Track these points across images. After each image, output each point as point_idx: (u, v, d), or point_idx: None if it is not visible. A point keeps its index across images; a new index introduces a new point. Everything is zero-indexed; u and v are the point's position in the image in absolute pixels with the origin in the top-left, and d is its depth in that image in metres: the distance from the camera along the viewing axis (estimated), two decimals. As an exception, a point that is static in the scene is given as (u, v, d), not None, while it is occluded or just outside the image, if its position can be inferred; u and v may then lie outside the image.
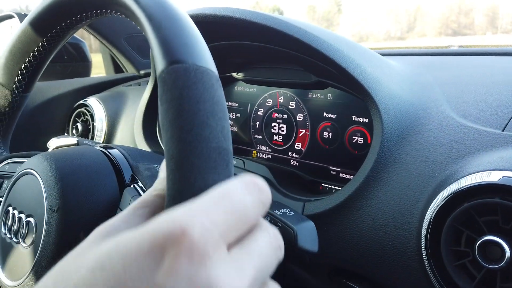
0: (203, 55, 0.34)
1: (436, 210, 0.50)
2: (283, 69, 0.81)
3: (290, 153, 0.84)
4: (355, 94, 0.67)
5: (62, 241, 0.48)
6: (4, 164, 0.64)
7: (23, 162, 0.59)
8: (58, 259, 0.47)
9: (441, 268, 0.49)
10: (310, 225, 0.55)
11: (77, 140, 0.73)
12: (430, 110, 0.63)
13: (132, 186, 0.54)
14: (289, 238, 0.52)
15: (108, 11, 0.48)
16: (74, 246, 0.48)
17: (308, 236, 0.54)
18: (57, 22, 0.53)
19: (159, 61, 0.33)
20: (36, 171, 0.53)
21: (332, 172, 0.78)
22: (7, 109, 0.61)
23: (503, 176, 0.46)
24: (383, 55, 0.93)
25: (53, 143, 0.75)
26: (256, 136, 0.89)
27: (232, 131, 0.94)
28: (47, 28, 0.53)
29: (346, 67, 0.61)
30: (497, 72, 0.72)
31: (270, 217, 0.54)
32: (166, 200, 0.31)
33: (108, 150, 0.58)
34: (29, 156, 0.61)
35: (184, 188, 0.30)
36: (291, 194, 0.70)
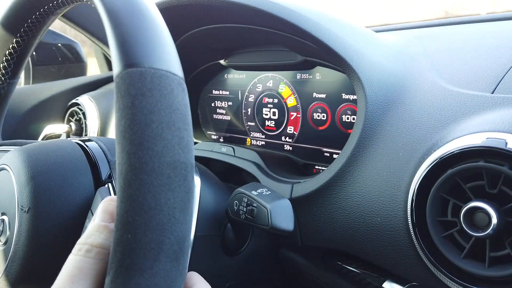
0: (163, 56, 0.31)
1: (420, 179, 0.47)
2: (270, 51, 0.79)
3: (283, 138, 0.82)
4: (341, 70, 0.64)
5: (33, 243, 0.46)
6: None
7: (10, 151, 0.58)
8: (30, 261, 0.46)
9: (428, 241, 0.46)
10: (284, 203, 0.53)
11: (68, 127, 0.73)
12: (417, 79, 0.60)
13: (106, 185, 0.52)
14: (264, 217, 0.50)
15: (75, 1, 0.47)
16: (45, 248, 0.47)
17: (282, 214, 0.52)
18: (27, 17, 0.52)
19: (114, 64, 0.31)
20: (10, 168, 0.52)
21: (325, 153, 0.75)
22: None
23: (487, 138, 0.43)
24: (379, 31, 0.90)
25: (47, 129, 0.75)
26: (249, 123, 0.87)
27: (225, 120, 0.92)
28: (19, 24, 0.53)
29: (324, 40, 0.59)
30: (489, 38, 0.68)
31: (247, 198, 0.53)
32: (115, 219, 0.29)
33: (86, 143, 0.56)
34: (16, 144, 0.60)
35: (130, 208, 0.28)
36: (281, 178, 0.68)
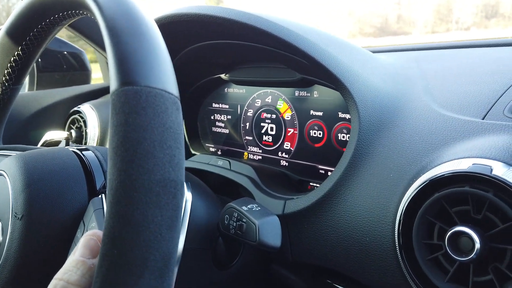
0: (160, 75, 0.32)
1: (407, 202, 0.48)
2: (269, 68, 0.80)
3: (279, 153, 0.82)
4: (336, 88, 0.65)
5: (24, 250, 0.47)
6: None
7: (10, 156, 0.59)
8: (20, 268, 0.47)
9: (414, 263, 0.47)
10: (273, 219, 0.54)
11: (67, 134, 0.74)
12: (411, 102, 0.61)
13: (100, 196, 0.52)
14: (252, 233, 0.51)
15: (77, 12, 0.48)
16: (35, 256, 0.47)
17: (270, 230, 0.52)
18: (33, 26, 0.54)
19: (111, 80, 0.31)
20: (7, 174, 0.52)
21: (320, 171, 0.76)
22: None
23: (473, 164, 0.44)
24: (376, 52, 0.91)
25: (48, 135, 0.76)
26: (246, 137, 0.88)
27: (224, 133, 0.93)
28: (25, 33, 0.54)
29: (319, 59, 0.60)
30: (484, 63, 0.69)
31: (237, 213, 0.53)
32: (103, 234, 0.30)
33: (82, 152, 0.57)
34: (17, 149, 0.61)
35: (118, 224, 0.29)
36: (274, 193, 0.68)
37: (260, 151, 0.86)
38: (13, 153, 0.60)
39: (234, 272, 0.63)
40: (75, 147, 0.59)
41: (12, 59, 0.57)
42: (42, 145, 0.91)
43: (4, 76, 0.59)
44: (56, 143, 0.89)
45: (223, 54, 0.81)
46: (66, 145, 0.94)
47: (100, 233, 0.38)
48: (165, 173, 0.30)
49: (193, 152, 0.97)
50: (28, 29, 0.54)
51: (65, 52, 1.29)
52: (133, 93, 0.30)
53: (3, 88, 0.61)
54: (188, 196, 0.56)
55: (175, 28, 0.73)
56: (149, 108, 0.30)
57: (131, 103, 0.30)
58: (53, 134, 0.78)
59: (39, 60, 1.27)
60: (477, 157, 0.45)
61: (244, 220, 0.52)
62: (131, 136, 0.29)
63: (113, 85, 0.31)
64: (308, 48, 0.61)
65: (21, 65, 0.59)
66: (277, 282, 0.69)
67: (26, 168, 0.51)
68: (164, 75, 0.32)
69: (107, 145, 1.05)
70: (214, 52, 0.81)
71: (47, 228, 0.48)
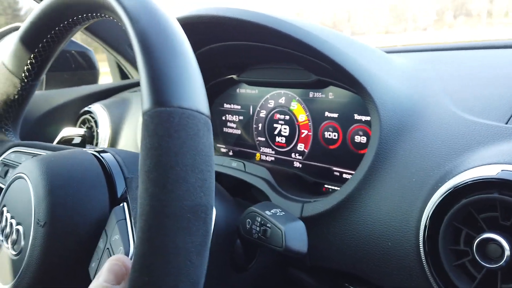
0: (192, 95, 0.31)
1: (433, 208, 0.48)
2: (284, 69, 0.80)
3: (293, 155, 0.82)
4: (354, 91, 0.65)
5: (47, 257, 0.46)
6: (11, 152, 0.64)
7: (28, 153, 0.58)
8: (42, 276, 0.47)
9: (439, 269, 0.47)
10: (299, 225, 0.53)
11: (84, 131, 0.74)
12: (431, 104, 0.60)
13: (122, 204, 0.50)
14: (277, 238, 0.51)
15: (101, 14, 0.48)
16: (57, 265, 0.47)
17: (297, 236, 0.52)
18: (55, 24, 0.54)
19: (144, 99, 0.31)
20: (28, 178, 0.52)
21: (335, 173, 0.76)
22: (16, 96, 0.62)
23: (502, 170, 0.43)
24: (389, 52, 0.90)
25: (64, 132, 0.76)
26: (259, 138, 0.88)
27: (235, 134, 0.93)
28: (47, 30, 0.54)
29: (340, 62, 0.59)
30: (502, 65, 0.69)
31: (261, 218, 0.53)
32: (131, 260, 0.30)
33: (101, 154, 0.56)
34: (35, 146, 0.60)
35: (148, 251, 0.28)
36: (291, 196, 0.68)
37: (273, 152, 0.85)
38: (32, 151, 0.60)
39: (252, 275, 0.63)
40: (93, 150, 0.58)
41: (32, 56, 0.57)
42: (59, 142, 0.91)
43: (24, 72, 0.59)
44: (73, 139, 0.89)
45: (237, 55, 0.81)
46: (82, 143, 0.93)
47: (125, 258, 0.38)
48: (196, 198, 0.30)
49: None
50: (50, 28, 0.55)
51: (73, 51, 1.28)
52: (167, 115, 0.30)
53: (22, 84, 0.61)
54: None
55: (190, 30, 0.72)
56: (182, 131, 0.30)
57: (165, 126, 0.29)
58: (70, 131, 0.78)
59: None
60: (505, 163, 0.44)
61: (268, 225, 0.52)
62: (164, 160, 0.29)
63: (146, 105, 0.30)
64: (329, 51, 0.60)
65: (40, 61, 0.59)
66: (295, 286, 0.69)
67: (48, 173, 0.50)
68: (196, 94, 0.32)
69: (120, 144, 1.04)
70: (228, 53, 0.80)
71: (69, 237, 0.47)
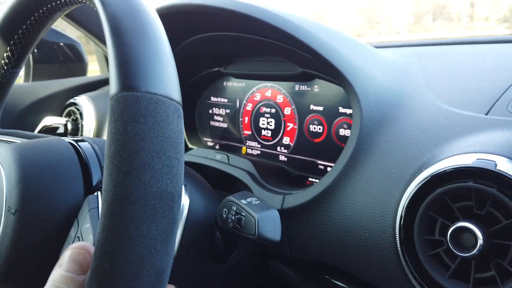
0: (162, 80, 0.31)
1: (409, 197, 0.47)
2: (270, 61, 0.80)
3: (278, 148, 0.82)
4: (338, 82, 0.65)
5: (17, 246, 0.45)
6: None
7: (5, 141, 0.57)
8: (13, 263, 0.46)
9: (414, 259, 0.46)
10: (273, 213, 0.53)
11: (66, 121, 0.73)
12: (413, 97, 0.60)
13: (96, 193, 0.50)
14: (251, 226, 0.50)
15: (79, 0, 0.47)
16: (28, 252, 0.46)
17: (270, 224, 0.51)
18: (34, 10, 0.53)
19: (112, 83, 0.30)
20: (1, 165, 0.51)
21: (320, 166, 0.75)
22: None
23: (477, 159, 0.43)
24: (377, 47, 0.90)
25: (46, 120, 0.75)
26: (245, 131, 0.87)
27: (222, 127, 0.92)
28: (27, 16, 0.54)
29: (321, 52, 0.59)
30: (486, 59, 0.69)
31: (236, 207, 0.52)
32: (94, 248, 0.29)
33: (79, 143, 0.55)
34: (13, 135, 0.59)
35: (111, 237, 0.28)
36: (273, 188, 0.68)
37: (259, 145, 0.85)
38: (9, 139, 0.59)
39: (232, 267, 0.63)
40: (71, 138, 0.58)
41: (12, 42, 0.57)
42: (40, 131, 0.90)
43: (3, 59, 0.58)
44: (55, 129, 0.88)
45: (223, 46, 0.81)
46: (64, 132, 0.92)
47: (89, 246, 0.36)
48: (163, 185, 0.29)
49: (190, 146, 0.96)
50: (29, 14, 0.54)
51: (62, 44, 1.27)
52: (133, 99, 0.29)
53: (2, 71, 0.60)
54: (185, 200, 0.54)
55: (175, 20, 0.72)
56: (149, 116, 0.29)
57: (131, 110, 0.28)
58: (51, 120, 0.77)
59: (35, 51, 1.26)
60: (481, 152, 0.44)
61: (243, 213, 0.51)
62: (129, 146, 0.28)
63: (113, 89, 0.30)
64: (310, 41, 0.60)
65: (21, 48, 0.58)
66: (275, 278, 0.69)
67: (21, 160, 0.49)
68: (167, 80, 0.31)
69: (105, 136, 1.04)
70: (213, 44, 0.80)
71: (41, 224, 0.46)
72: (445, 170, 0.44)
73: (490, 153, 0.44)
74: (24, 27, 0.56)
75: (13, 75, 0.62)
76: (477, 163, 0.43)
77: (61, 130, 0.87)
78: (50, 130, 0.89)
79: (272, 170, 0.77)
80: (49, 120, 0.74)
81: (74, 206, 0.49)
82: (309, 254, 0.60)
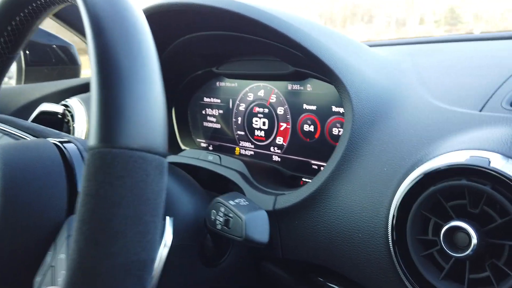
0: (147, 131, 0.27)
1: (402, 196, 0.46)
2: (262, 61, 0.78)
3: (272, 149, 0.80)
4: (330, 81, 0.64)
5: None
6: None
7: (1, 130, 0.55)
8: None
9: (407, 260, 0.45)
10: (261, 214, 0.52)
11: (63, 109, 0.71)
12: (406, 94, 0.59)
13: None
14: (239, 228, 0.49)
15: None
16: (4, 267, 0.44)
17: (257, 225, 0.50)
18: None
19: (91, 132, 0.27)
20: None
21: (313, 166, 0.74)
22: None
23: (471, 156, 0.42)
24: (372, 46, 0.89)
25: (42, 107, 0.73)
26: (238, 132, 0.86)
27: (215, 128, 0.91)
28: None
29: (312, 50, 0.58)
30: (480, 56, 0.68)
31: (225, 208, 0.51)
32: None
33: (64, 144, 0.53)
34: (7, 123, 0.57)
35: None
36: (265, 189, 0.66)
37: (252, 146, 0.84)
38: (3, 127, 0.57)
39: (223, 269, 0.61)
40: (57, 140, 0.55)
41: (9, 28, 0.55)
42: (36, 117, 0.87)
43: (0, 44, 0.57)
44: (53, 113, 0.84)
45: (215, 46, 0.79)
46: (60, 122, 0.88)
47: None
48: (134, 255, 0.26)
49: (183, 147, 0.95)
50: (12, 15, 0.52)
51: (54, 46, 1.26)
52: (111, 158, 0.26)
53: None
54: (167, 236, 0.49)
55: (165, 19, 0.71)
56: (127, 177, 0.26)
57: (106, 171, 0.26)
58: (48, 106, 0.74)
59: (27, 53, 1.24)
60: (475, 149, 0.43)
61: (231, 215, 0.50)
62: (100, 212, 0.25)
63: (91, 140, 0.26)
64: (301, 38, 0.59)
65: (18, 34, 0.56)
66: (267, 280, 0.67)
67: (5, 168, 0.45)
68: (152, 129, 0.28)
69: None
70: (205, 44, 0.79)
71: (17, 243, 0.43)
72: (438, 168, 0.43)
73: (484, 150, 0.42)
74: (22, 14, 0.54)
75: (9, 60, 0.59)
76: (470, 160, 0.41)
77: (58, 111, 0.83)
78: (46, 120, 0.86)
79: (265, 170, 0.76)
80: (45, 106, 0.71)
81: (54, 227, 0.45)
82: (301, 255, 0.59)
